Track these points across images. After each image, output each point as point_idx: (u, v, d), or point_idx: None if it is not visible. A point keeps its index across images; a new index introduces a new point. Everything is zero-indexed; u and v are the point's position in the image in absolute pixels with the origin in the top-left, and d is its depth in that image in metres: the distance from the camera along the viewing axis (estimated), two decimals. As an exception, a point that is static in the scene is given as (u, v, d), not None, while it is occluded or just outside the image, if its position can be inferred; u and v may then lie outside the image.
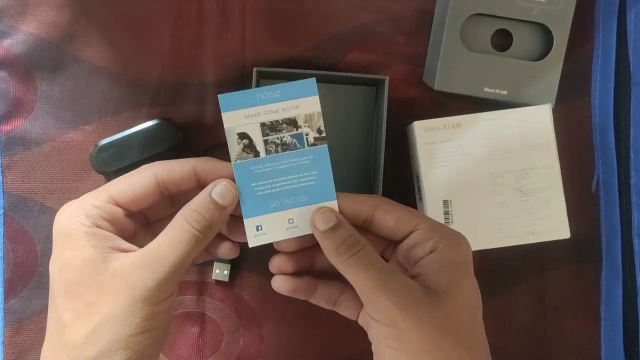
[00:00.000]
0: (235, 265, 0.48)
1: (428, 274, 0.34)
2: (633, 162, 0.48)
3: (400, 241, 0.36)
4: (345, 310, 0.39)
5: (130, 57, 0.48)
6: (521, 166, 0.44)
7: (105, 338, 0.32)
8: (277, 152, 0.36)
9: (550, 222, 0.44)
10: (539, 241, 0.44)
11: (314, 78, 0.36)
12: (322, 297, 0.39)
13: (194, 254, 0.34)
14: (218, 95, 0.35)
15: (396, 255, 0.37)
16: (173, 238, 0.33)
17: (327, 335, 0.49)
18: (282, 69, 0.44)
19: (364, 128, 0.48)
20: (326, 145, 0.36)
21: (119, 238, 0.34)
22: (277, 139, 0.36)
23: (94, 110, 0.48)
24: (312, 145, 0.36)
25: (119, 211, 0.35)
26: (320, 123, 0.36)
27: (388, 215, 0.35)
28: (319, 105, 0.36)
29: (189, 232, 0.33)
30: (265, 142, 0.36)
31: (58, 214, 0.35)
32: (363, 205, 0.36)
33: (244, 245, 0.38)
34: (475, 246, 0.44)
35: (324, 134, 0.36)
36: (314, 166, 0.36)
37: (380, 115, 0.45)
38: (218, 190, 0.34)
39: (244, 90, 0.35)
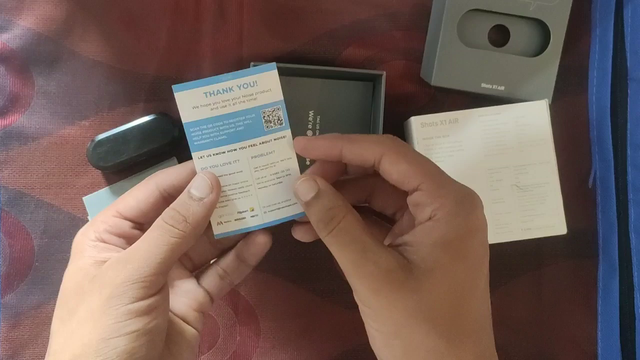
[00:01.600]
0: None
1: (417, 246, 0.30)
2: (630, 158, 0.48)
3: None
4: (379, 204, 0.36)
5: (127, 51, 0.48)
6: (518, 162, 0.44)
7: (77, 343, 0.30)
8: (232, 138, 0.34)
9: (547, 218, 0.44)
10: (535, 237, 0.44)
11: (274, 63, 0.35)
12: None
13: (175, 253, 0.32)
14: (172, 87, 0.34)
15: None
16: (152, 240, 0.32)
17: (323, 331, 0.48)
18: (279, 64, 0.44)
19: (360, 123, 0.48)
20: (288, 131, 0.34)
21: (122, 249, 0.34)
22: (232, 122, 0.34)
23: (90, 105, 0.47)
24: (270, 129, 0.34)
25: (126, 224, 0.35)
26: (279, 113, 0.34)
27: (393, 167, 0.31)
28: (279, 82, 0.34)
29: (167, 230, 0.32)
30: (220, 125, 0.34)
31: (77, 233, 0.35)
32: (368, 152, 0.32)
33: (242, 237, 0.38)
34: None
35: (283, 123, 0.34)
36: (276, 156, 0.35)
37: (377, 111, 0.45)
38: (194, 184, 0.34)
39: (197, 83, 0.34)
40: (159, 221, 0.33)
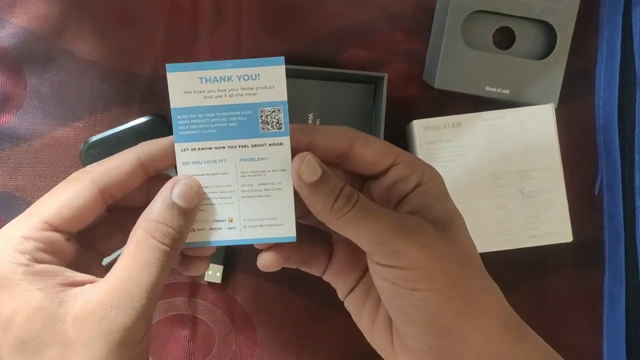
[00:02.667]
0: (229, 267, 0.47)
1: (426, 208, 0.30)
2: (638, 164, 0.47)
3: (376, 177, 0.32)
4: (313, 267, 0.35)
5: (122, 51, 0.47)
6: (523, 167, 0.43)
7: None
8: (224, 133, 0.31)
9: (552, 225, 0.44)
10: (540, 245, 0.43)
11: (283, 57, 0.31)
12: (296, 258, 0.34)
13: (166, 274, 0.28)
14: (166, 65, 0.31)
15: (370, 194, 0.33)
16: (141, 260, 0.27)
17: (321, 339, 0.48)
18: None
19: (361, 127, 0.47)
20: (287, 138, 0.31)
21: (68, 269, 0.28)
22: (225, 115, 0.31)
23: (84, 106, 0.47)
24: (266, 131, 0.31)
25: (58, 237, 0.28)
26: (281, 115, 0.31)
27: (367, 149, 0.31)
28: (284, 79, 0.30)
29: (157, 249, 0.28)
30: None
31: None
32: (339, 138, 0.31)
33: (238, 246, 0.37)
34: None
35: (282, 128, 0.31)
36: (270, 165, 0.31)
37: (378, 114, 0.45)
38: (178, 192, 0.29)
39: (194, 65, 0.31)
40: (148, 240, 0.28)
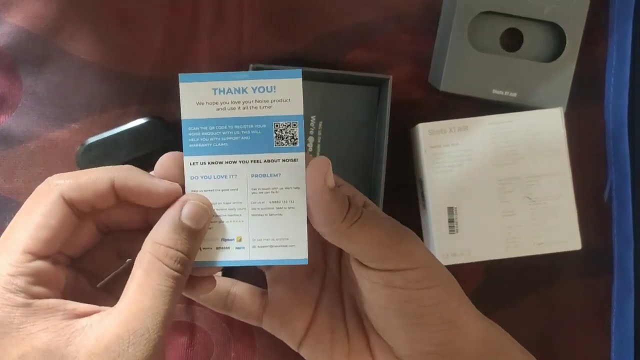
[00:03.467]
0: (227, 273, 0.46)
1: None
2: (648, 170, 0.46)
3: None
4: (238, 310, 0.35)
5: (120, 52, 0.46)
6: (530, 172, 0.43)
7: None
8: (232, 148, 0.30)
9: (560, 233, 0.43)
10: (548, 252, 0.43)
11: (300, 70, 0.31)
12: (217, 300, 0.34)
13: (177, 301, 0.27)
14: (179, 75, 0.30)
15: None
16: (154, 288, 0.26)
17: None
18: (280, 66, 0.43)
19: (365, 130, 0.47)
20: (302, 154, 0.30)
21: (68, 301, 0.26)
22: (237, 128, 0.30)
23: (81, 107, 0.46)
24: (280, 146, 0.30)
25: (46, 266, 0.26)
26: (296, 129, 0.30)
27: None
28: (302, 93, 0.29)
29: (169, 276, 0.26)
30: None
31: None
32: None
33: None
34: (481, 257, 0.42)
35: (298, 143, 0.30)
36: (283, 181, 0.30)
37: (382, 117, 0.44)
38: (188, 212, 0.27)
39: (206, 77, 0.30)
40: (158, 266, 0.26)
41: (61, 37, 0.46)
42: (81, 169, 0.44)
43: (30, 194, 0.44)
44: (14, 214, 0.44)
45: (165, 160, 0.29)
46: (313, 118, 0.46)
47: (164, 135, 0.44)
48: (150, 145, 0.44)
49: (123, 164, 0.43)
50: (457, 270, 0.47)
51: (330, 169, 0.28)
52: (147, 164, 0.45)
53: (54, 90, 0.46)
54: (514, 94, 0.45)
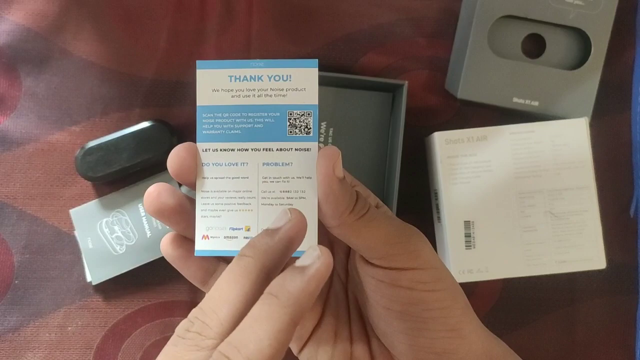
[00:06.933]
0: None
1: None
2: (677, 185, 0.44)
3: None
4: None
5: (124, 52, 0.45)
6: (553, 186, 0.41)
7: None
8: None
9: (584, 250, 0.41)
10: (570, 271, 0.41)
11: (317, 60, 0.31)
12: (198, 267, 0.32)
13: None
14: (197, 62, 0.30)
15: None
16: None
17: None
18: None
19: (378, 138, 0.45)
20: (315, 144, 0.30)
21: None
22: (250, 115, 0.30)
23: (82, 109, 0.45)
24: (293, 135, 0.30)
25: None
26: (310, 120, 0.30)
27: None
28: (317, 83, 0.29)
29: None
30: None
31: None
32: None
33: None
34: (499, 274, 0.41)
35: (311, 133, 0.30)
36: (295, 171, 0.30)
37: (396, 124, 0.43)
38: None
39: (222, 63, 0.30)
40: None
41: (63, 36, 0.45)
42: (80, 173, 0.43)
43: (28, 199, 0.43)
44: (11, 220, 0.43)
45: (180, 151, 0.29)
46: (323, 125, 0.45)
47: (168, 139, 0.43)
48: (153, 150, 0.43)
49: (124, 169, 0.42)
50: (473, 287, 0.46)
51: (340, 159, 0.28)
52: (148, 169, 0.44)
53: (55, 91, 0.45)
54: (536, 103, 0.43)
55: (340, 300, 0.34)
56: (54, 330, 0.44)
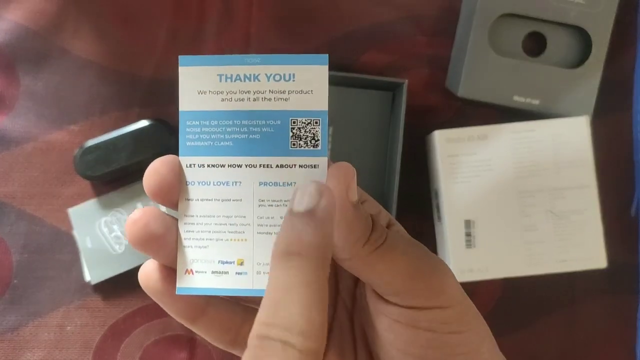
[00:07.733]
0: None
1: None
2: (678, 185, 0.44)
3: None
4: (210, 329, 0.27)
5: (123, 51, 0.45)
6: (554, 185, 0.41)
7: None
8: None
9: (585, 250, 0.41)
10: (571, 270, 0.41)
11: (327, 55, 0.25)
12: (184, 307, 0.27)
13: None
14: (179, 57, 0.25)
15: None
16: None
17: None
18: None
19: (378, 136, 0.45)
20: (324, 159, 0.24)
21: None
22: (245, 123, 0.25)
23: (80, 108, 0.45)
24: (297, 148, 0.24)
25: None
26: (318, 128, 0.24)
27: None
28: (327, 84, 0.24)
29: None
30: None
31: None
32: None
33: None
34: (499, 273, 0.41)
35: (319, 146, 0.24)
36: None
37: (396, 123, 0.43)
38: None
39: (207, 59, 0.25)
40: None
41: (62, 35, 0.45)
42: (79, 172, 0.43)
43: (27, 198, 0.43)
44: (9, 219, 0.43)
45: (158, 166, 0.24)
46: (323, 123, 0.44)
47: (167, 138, 0.43)
48: (152, 150, 0.43)
49: (123, 168, 0.42)
50: (473, 287, 0.46)
51: (355, 179, 0.23)
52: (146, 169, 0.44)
53: (53, 90, 0.45)
54: (537, 101, 0.43)
55: (346, 333, 0.30)
56: (53, 330, 0.44)
